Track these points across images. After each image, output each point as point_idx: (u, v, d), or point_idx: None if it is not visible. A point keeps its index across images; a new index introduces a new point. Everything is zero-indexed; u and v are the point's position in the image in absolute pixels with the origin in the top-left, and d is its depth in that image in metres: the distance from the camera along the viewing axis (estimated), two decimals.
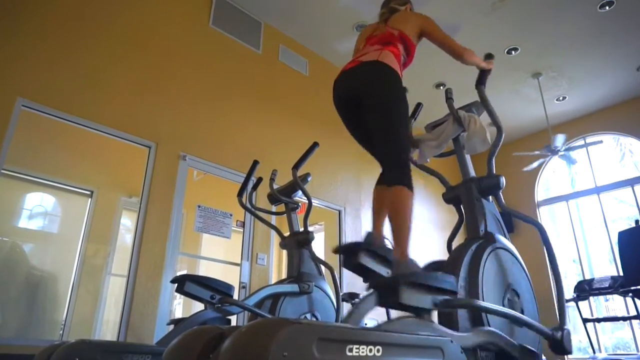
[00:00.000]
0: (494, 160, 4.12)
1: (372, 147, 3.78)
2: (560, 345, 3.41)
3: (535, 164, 11.50)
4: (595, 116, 12.72)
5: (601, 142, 11.59)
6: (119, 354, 3.92)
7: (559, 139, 10.54)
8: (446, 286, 2.83)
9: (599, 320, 9.69)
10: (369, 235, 3.30)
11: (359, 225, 9.69)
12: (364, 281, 2.96)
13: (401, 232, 3.15)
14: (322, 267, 5.83)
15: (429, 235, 11.43)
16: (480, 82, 4.18)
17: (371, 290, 2.73)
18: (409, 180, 3.31)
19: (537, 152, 11.17)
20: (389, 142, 3.46)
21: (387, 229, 3.33)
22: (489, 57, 4.30)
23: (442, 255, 10.13)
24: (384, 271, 2.73)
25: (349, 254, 2.83)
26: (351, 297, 7.58)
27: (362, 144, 3.93)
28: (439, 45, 4.03)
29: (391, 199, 3.28)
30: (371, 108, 3.54)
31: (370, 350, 2.02)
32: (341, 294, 6.21)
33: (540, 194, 13.57)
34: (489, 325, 3.12)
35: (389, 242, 3.35)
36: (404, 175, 3.32)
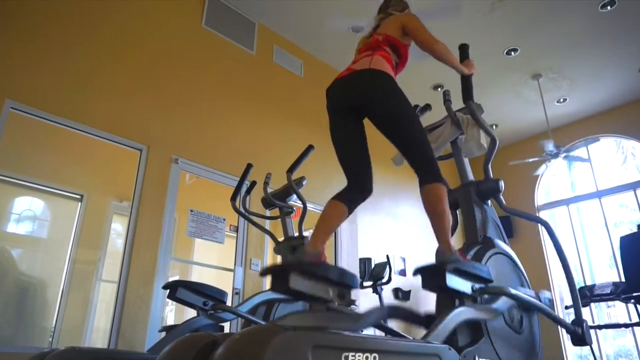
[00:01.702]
0: (489, 166, 4.14)
1: (352, 163, 3.75)
2: (582, 338, 3.60)
3: (542, 167, 11.51)
4: (596, 118, 12.73)
5: (598, 140, 11.60)
6: None
7: (549, 145, 10.54)
8: (484, 275, 3.16)
9: (600, 327, 9.69)
10: (301, 253, 3.32)
11: (354, 230, 9.67)
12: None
13: (443, 227, 3.28)
14: None
15: (426, 240, 11.43)
16: (467, 95, 4.13)
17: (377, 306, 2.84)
18: (440, 175, 3.38)
19: (534, 159, 11.17)
20: (410, 145, 3.51)
21: (323, 247, 3.31)
22: (463, 51, 4.34)
23: None
24: (320, 292, 2.62)
25: (278, 277, 2.53)
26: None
27: (343, 158, 3.86)
28: (416, 41, 3.98)
29: (429, 195, 3.34)
30: (379, 118, 3.57)
31: (367, 358, 2.03)
32: None
33: (540, 198, 13.58)
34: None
35: (324, 260, 3.34)
36: (436, 171, 3.39)
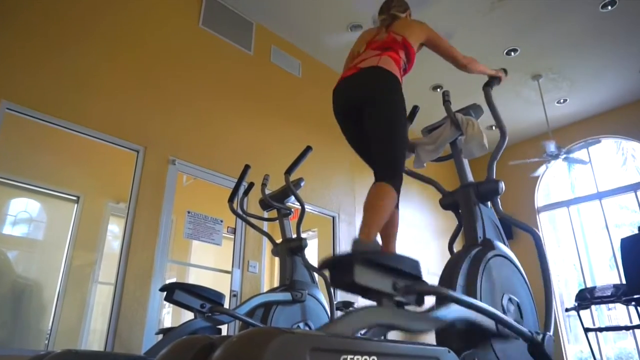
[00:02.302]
0: (495, 164, 4.13)
1: (370, 159, 3.80)
2: (539, 349, 3.34)
3: (542, 168, 11.51)
4: (596, 119, 12.73)
5: (599, 141, 11.60)
6: None
7: (551, 146, 10.55)
8: (409, 269, 2.60)
9: (601, 329, 9.69)
10: (357, 242, 3.04)
11: (353, 232, 9.66)
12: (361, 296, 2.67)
13: (372, 218, 3.16)
14: (316, 275, 5.84)
15: (425, 242, 11.44)
16: (488, 84, 4.33)
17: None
18: (397, 182, 3.36)
19: (535, 160, 11.17)
20: (386, 145, 3.51)
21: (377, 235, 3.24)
22: (503, 70, 4.49)
23: (439, 261, 10.16)
24: (387, 285, 2.40)
25: (341, 271, 2.33)
26: (345, 305, 7.59)
27: (361, 155, 3.99)
28: (442, 55, 4.19)
29: (373, 191, 3.30)
30: (369, 112, 3.60)
31: None
32: (335, 302, 6.21)
33: (540, 199, 13.58)
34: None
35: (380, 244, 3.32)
36: (394, 176, 3.37)
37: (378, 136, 3.55)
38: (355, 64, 3.86)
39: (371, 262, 2.43)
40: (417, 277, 2.62)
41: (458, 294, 2.80)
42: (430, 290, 2.64)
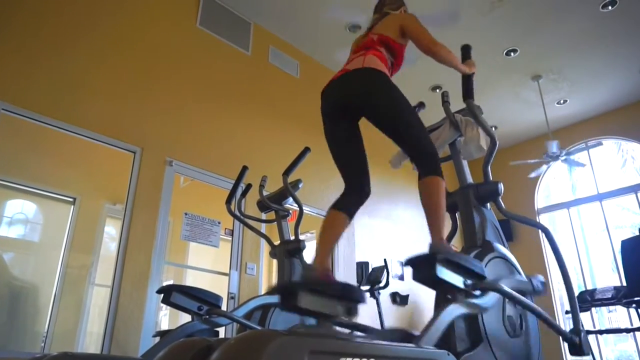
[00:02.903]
0: (489, 168, 4.13)
1: (349, 165, 3.79)
2: (579, 348, 3.51)
3: (543, 168, 11.52)
4: (597, 120, 12.74)
5: (601, 144, 11.62)
6: None
7: (553, 145, 10.56)
8: (477, 269, 3.04)
9: (601, 332, 9.70)
10: (308, 270, 3.26)
11: (351, 233, 9.67)
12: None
13: (437, 219, 3.24)
14: None
15: (423, 243, 11.42)
16: (468, 94, 4.14)
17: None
18: (440, 169, 3.37)
19: (535, 161, 11.18)
20: (410, 139, 3.50)
21: (329, 261, 3.35)
22: (465, 52, 4.33)
23: None
24: (330, 310, 2.60)
25: (287, 296, 2.50)
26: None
27: (340, 161, 3.90)
28: (414, 42, 3.97)
29: (426, 187, 3.32)
30: (377, 115, 3.57)
31: None
32: None
33: (540, 200, 13.58)
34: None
35: (331, 275, 3.36)
36: (436, 165, 3.38)
37: (400, 137, 3.54)
38: (343, 67, 3.84)
39: (449, 261, 2.88)
40: (482, 276, 3.07)
41: (512, 291, 3.27)
42: (493, 287, 3.14)
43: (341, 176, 3.80)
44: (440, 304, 3.07)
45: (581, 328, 3.59)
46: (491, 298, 3.17)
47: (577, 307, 3.75)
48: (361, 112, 3.68)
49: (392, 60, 3.96)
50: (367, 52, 3.77)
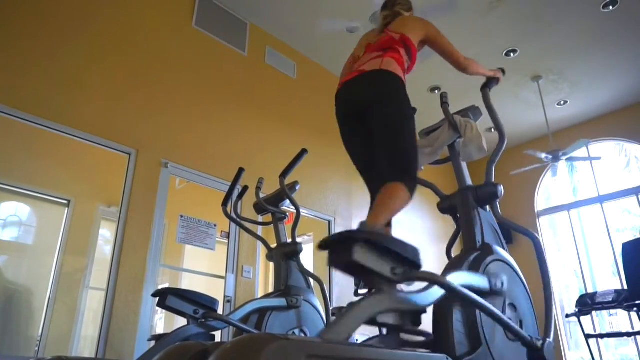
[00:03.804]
0: (493, 167, 4.11)
1: (368, 169, 3.78)
2: (539, 355, 3.36)
3: (548, 173, 11.54)
4: (598, 121, 12.76)
5: (599, 158, 11.63)
6: None
7: (540, 154, 10.57)
8: (410, 256, 2.58)
9: (602, 336, 9.68)
10: (363, 224, 3.02)
11: None
12: (358, 286, 2.70)
13: (382, 207, 3.14)
14: (311, 280, 5.83)
15: (423, 247, 11.39)
16: (487, 85, 4.30)
17: (365, 292, 2.57)
18: (411, 183, 3.29)
19: (535, 166, 11.20)
20: (395, 147, 3.47)
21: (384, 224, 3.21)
22: (501, 70, 4.42)
23: (437, 266, 10.14)
24: (387, 269, 2.40)
25: (339, 249, 2.32)
26: (341, 311, 7.59)
27: (356, 163, 3.91)
28: (442, 54, 4.09)
29: (385, 190, 3.23)
30: (376, 116, 3.56)
31: None
32: (331, 308, 6.21)
33: (540, 203, 13.59)
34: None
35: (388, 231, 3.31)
36: (407, 177, 3.31)
37: (386, 139, 3.51)
38: (357, 68, 3.82)
39: (373, 243, 2.40)
40: (417, 264, 2.59)
41: (454, 284, 2.72)
42: (430, 278, 2.60)
43: (364, 182, 3.79)
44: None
45: (549, 337, 3.51)
46: (433, 294, 2.69)
47: (553, 314, 3.72)
48: (369, 112, 3.64)
49: (409, 63, 3.97)
50: (385, 55, 3.76)
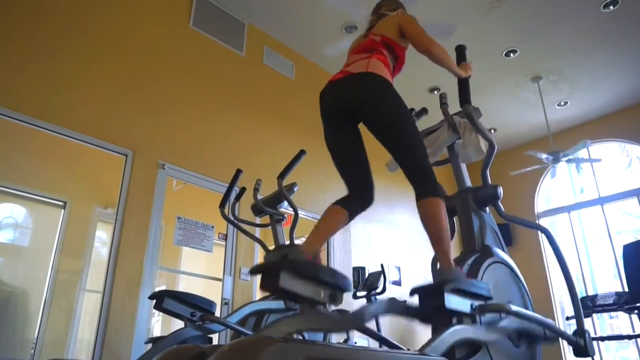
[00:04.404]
0: (488, 172, 4.12)
1: (350, 170, 3.77)
2: (584, 349, 3.53)
3: (548, 175, 11.54)
4: (598, 122, 12.76)
5: (600, 160, 11.61)
6: None
7: (540, 155, 10.57)
8: (483, 292, 3.10)
9: (602, 338, 9.71)
10: (294, 250, 3.16)
11: (347, 237, 9.67)
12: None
13: (443, 243, 3.21)
14: None
15: (422, 248, 11.42)
16: (464, 99, 4.08)
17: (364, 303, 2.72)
18: (437, 187, 3.34)
19: (535, 167, 11.20)
20: (406, 153, 3.47)
21: (319, 248, 3.30)
22: (460, 53, 4.31)
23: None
24: (311, 292, 2.58)
25: (268, 275, 2.49)
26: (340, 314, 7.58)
27: (341, 166, 3.88)
28: (411, 41, 3.94)
29: (426, 212, 3.29)
30: (375, 123, 3.55)
31: None
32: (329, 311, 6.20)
33: (540, 204, 13.59)
34: None
35: (318, 259, 3.33)
36: (433, 184, 3.35)
37: (397, 151, 3.52)
38: (343, 69, 3.82)
39: (456, 290, 2.91)
40: (488, 298, 3.17)
41: (519, 309, 3.30)
42: (499, 309, 3.28)
43: (343, 181, 3.77)
44: (440, 321, 3.04)
45: (585, 329, 3.61)
46: (505, 323, 3.27)
47: (581, 309, 3.76)
48: (360, 117, 3.65)
49: (394, 63, 3.95)
50: (371, 56, 3.75)
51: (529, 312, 3.41)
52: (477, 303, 3.08)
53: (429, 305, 2.88)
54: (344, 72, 3.75)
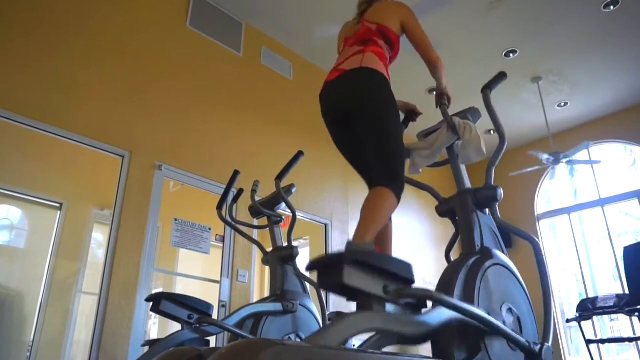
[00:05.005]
0: (493, 170, 4.10)
1: (363, 168, 3.77)
2: (538, 358, 3.36)
3: (547, 176, 11.54)
4: (599, 123, 12.77)
5: (599, 162, 11.61)
6: None
7: (542, 155, 10.56)
8: (403, 273, 2.47)
9: (603, 341, 9.69)
10: (350, 243, 3.00)
11: (346, 239, 9.63)
12: (348, 300, 2.55)
13: (368, 220, 3.11)
14: (308, 285, 5.82)
15: (422, 250, 11.43)
16: (489, 85, 4.12)
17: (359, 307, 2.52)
18: (397, 188, 3.28)
19: (535, 168, 11.20)
20: (381, 150, 3.44)
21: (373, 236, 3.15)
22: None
23: (436, 270, 10.15)
24: (376, 287, 2.30)
25: (328, 271, 2.25)
26: (338, 316, 7.57)
27: (352, 163, 3.93)
28: (412, 41, 4.00)
29: (370, 196, 3.24)
30: (360, 117, 3.54)
31: None
32: (327, 313, 6.19)
33: (540, 206, 13.59)
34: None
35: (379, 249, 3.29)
36: (393, 181, 3.30)
37: (372, 141, 3.47)
38: (337, 66, 3.80)
39: (362, 264, 2.31)
40: (409, 280, 2.49)
41: (450, 298, 2.72)
42: (422, 294, 2.52)
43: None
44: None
45: (548, 342, 3.50)
46: (440, 315, 2.65)
47: (552, 320, 3.72)
48: (354, 113, 3.62)
49: (390, 54, 3.95)
50: (366, 49, 3.73)
51: (470, 307, 2.86)
52: (393, 286, 2.44)
53: (325, 282, 2.33)
54: (338, 70, 3.74)
